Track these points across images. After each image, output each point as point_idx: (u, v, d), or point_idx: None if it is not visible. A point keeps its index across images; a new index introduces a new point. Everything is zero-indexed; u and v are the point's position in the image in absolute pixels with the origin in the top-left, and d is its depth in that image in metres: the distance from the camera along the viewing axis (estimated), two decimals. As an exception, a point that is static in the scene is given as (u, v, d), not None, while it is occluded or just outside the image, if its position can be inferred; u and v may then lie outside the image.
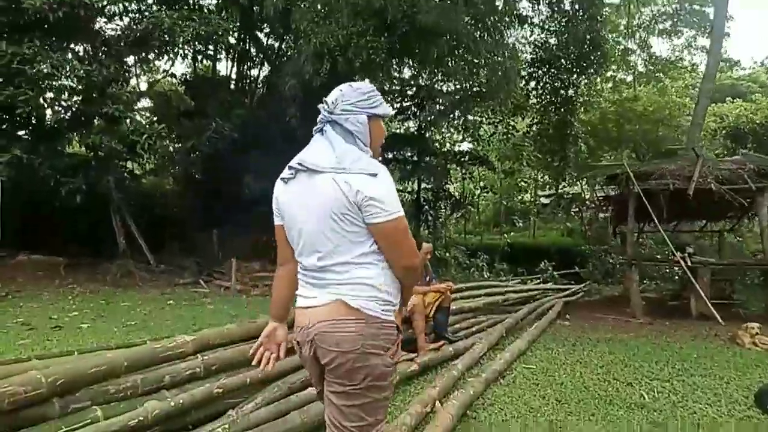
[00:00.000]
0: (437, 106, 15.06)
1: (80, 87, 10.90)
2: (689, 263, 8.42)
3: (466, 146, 20.85)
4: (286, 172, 1.83)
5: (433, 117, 14.93)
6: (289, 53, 14.17)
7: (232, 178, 13.54)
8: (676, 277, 13.59)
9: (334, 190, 1.68)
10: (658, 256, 13.30)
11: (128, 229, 12.53)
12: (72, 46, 11.58)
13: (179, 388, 3.05)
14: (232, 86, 15.78)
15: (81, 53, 11.65)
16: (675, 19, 24.67)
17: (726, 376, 4.64)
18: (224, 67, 17.08)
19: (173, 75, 15.11)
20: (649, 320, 8.16)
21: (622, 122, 21.04)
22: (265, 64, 16.17)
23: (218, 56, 15.54)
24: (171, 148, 14.39)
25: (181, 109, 14.50)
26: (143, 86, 17.31)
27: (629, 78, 25.80)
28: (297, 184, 1.80)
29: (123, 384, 2.85)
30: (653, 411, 3.67)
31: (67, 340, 5.68)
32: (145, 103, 16.56)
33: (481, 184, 25.18)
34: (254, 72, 16.54)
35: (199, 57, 15.14)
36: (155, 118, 14.22)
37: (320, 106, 1.85)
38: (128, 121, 11.22)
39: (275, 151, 13.48)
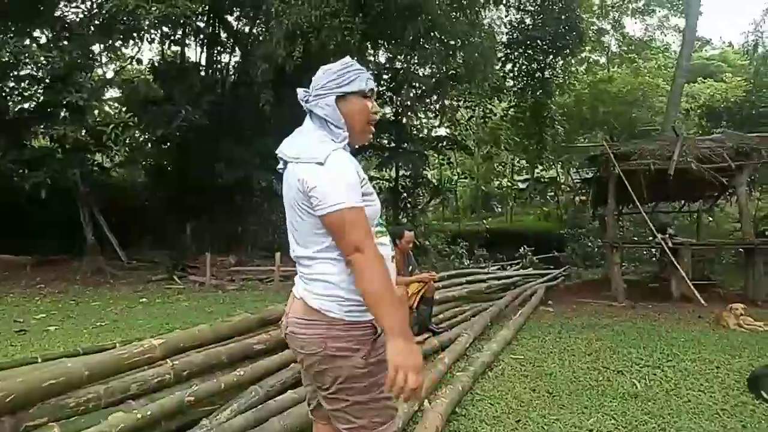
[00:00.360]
0: (414, 90, 14.82)
1: (41, 75, 10.40)
2: (670, 244, 8.39)
3: (443, 131, 20.70)
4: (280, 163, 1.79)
5: (409, 102, 14.69)
6: (261, 37, 13.76)
7: (205, 167, 13.14)
8: (653, 259, 13.72)
9: (294, 181, 1.64)
10: (635, 238, 13.39)
11: (97, 225, 12.12)
12: (33, 32, 11.04)
13: (147, 397, 2.80)
14: (203, 73, 15.30)
15: (42, 40, 11.12)
16: (647, -2, 24.79)
17: (715, 360, 4.57)
18: (194, 53, 16.62)
19: (140, 61, 14.57)
20: (632, 303, 8.12)
21: (597, 104, 21.15)
22: (236, 49, 15.74)
23: (187, 41, 15.07)
24: (141, 138, 13.94)
25: (150, 97, 13.99)
26: (111, 75, 16.79)
27: (603, 60, 25.88)
28: (284, 174, 1.76)
29: (84, 396, 2.59)
30: (647, 400, 3.56)
31: (32, 344, 5.38)
32: (113, 93, 16.04)
33: (459, 170, 25.09)
34: (225, 58, 16.14)
35: (167, 42, 14.63)
36: (123, 108, 13.72)
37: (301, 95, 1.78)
38: (96, 111, 10.77)
39: (248, 139, 13.28)
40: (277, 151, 1.75)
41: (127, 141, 11.45)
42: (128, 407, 2.69)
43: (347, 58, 1.77)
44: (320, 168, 1.58)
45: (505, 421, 3.22)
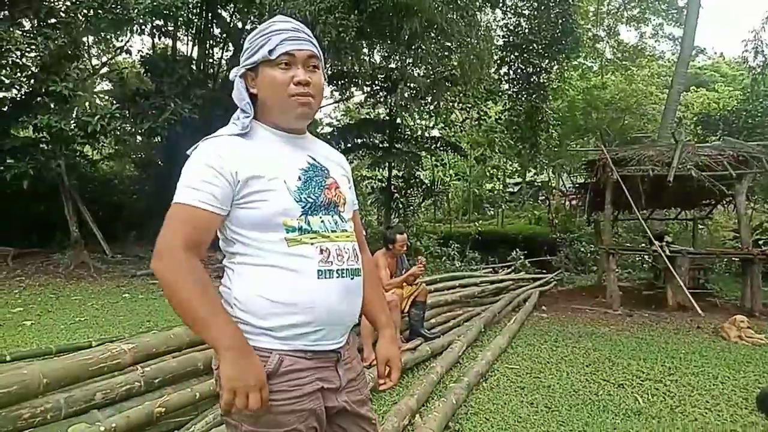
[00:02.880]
0: (408, 90, 14.64)
1: (25, 63, 10.09)
2: (667, 252, 8.23)
3: (437, 133, 20.56)
4: None
5: (404, 101, 14.49)
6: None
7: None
8: (645, 266, 13.62)
9: None
10: (629, 245, 13.27)
11: (82, 217, 11.82)
12: (16, 18, 10.72)
13: (113, 407, 2.57)
14: (194, 67, 15.04)
15: (26, 26, 10.81)
16: (643, 6, 24.90)
17: (719, 374, 4.38)
18: (186, 47, 16.35)
19: (129, 51, 14.27)
20: (628, 311, 7.95)
21: (590, 110, 21.13)
22: (229, 44, 15.48)
23: (178, 34, 14.79)
24: (129, 131, 13.68)
25: (139, 89, 13.71)
26: (102, 69, 16.54)
27: (597, 66, 25.94)
28: None
29: (41, 406, 2.35)
30: (651, 418, 3.36)
31: (3, 340, 5.13)
32: (104, 85, 15.80)
33: (452, 171, 24.94)
34: (218, 52, 15.86)
35: (157, 34, 14.34)
36: (112, 100, 13.44)
37: None
38: (86, 103, 10.48)
39: (239, 135, 13.07)
40: None
41: (115, 133, 11.16)
42: (92, 418, 2.45)
43: (270, 20, 1.41)
44: (191, 155, 1.33)
45: (501, 439, 3.01)
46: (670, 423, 3.28)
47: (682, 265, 8.31)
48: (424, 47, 13.54)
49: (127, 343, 2.88)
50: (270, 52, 1.33)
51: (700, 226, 13.34)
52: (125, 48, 14.24)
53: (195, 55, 15.35)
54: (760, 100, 13.58)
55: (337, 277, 1.33)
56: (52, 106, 10.47)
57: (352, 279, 1.37)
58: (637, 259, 14.18)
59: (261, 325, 1.27)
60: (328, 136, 14.83)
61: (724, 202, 10.46)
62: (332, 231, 1.36)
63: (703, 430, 3.16)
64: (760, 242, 11.71)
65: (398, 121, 16.51)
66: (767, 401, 3.45)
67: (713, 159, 8.21)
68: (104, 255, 12.22)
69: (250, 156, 1.31)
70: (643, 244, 10.89)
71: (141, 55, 14.25)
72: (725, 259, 11.77)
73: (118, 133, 11.52)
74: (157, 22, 12.98)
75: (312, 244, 1.31)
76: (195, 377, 2.98)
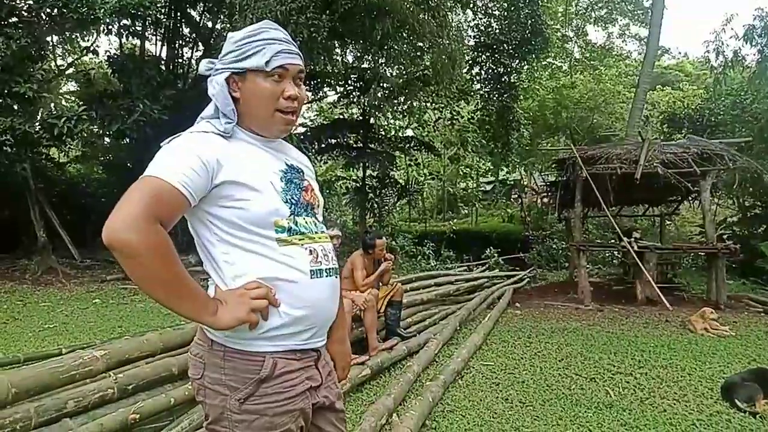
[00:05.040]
0: (381, 90, 14.68)
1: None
2: (636, 248, 8.43)
3: (410, 132, 20.64)
4: None
5: (377, 101, 14.52)
6: (225, 33, 13.39)
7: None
8: (614, 261, 13.92)
9: None
10: (599, 241, 13.54)
11: (49, 222, 11.53)
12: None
13: (86, 415, 2.52)
14: (163, 67, 14.79)
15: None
16: (610, 7, 25.44)
17: (687, 366, 4.52)
18: (156, 48, 16.07)
19: (95, 52, 13.94)
20: (598, 306, 8.12)
21: (560, 109, 21.44)
22: (199, 44, 15.27)
23: (147, 34, 14.51)
24: (97, 133, 13.37)
25: (107, 90, 13.40)
26: (68, 69, 16.12)
27: (566, 66, 26.38)
28: None
29: (10, 416, 2.29)
30: (622, 410, 3.44)
31: (-32, 351, 4.97)
32: (71, 86, 15.40)
33: (426, 171, 25.05)
34: (187, 52, 15.63)
35: (125, 34, 14.06)
36: (79, 101, 13.12)
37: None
38: (52, 105, 10.20)
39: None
40: None
41: (82, 135, 10.91)
42: (64, 427, 2.41)
43: (259, 24, 1.37)
44: (167, 144, 1.28)
45: (477, 434, 3.05)
46: (640, 415, 3.37)
47: (650, 260, 8.51)
48: (396, 47, 13.59)
49: (99, 349, 2.82)
50: (266, 63, 1.30)
51: (668, 222, 13.72)
52: (92, 48, 13.89)
53: (164, 55, 15.10)
54: (722, 98, 13.97)
55: (326, 276, 1.35)
56: (16, 107, 10.18)
57: (336, 278, 1.40)
58: (607, 255, 14.47)
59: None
60: (302, 137, 14.73)
61: (690, 198, 10.76)
62: (314, 232, 1.37)
63: (671, 421, 3.25)
64: (725, 236, 12.07)
65: (372, 121, 16.53)
66: (731, 391, 3.58)
67: (679, 156, 8.43)
68: (73, 260, 11.96)
69: (235, 155, 1.28)
70: (613, 240, 11.14)
71: (108, 56, 13.92)
72: (692, 254, 12.09)
73: (86, 135, 11.28)
74: (125, 21, 12.74)
75: (301, 245, 1.32)
76: (170, 383, 2.95)
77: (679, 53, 34.70)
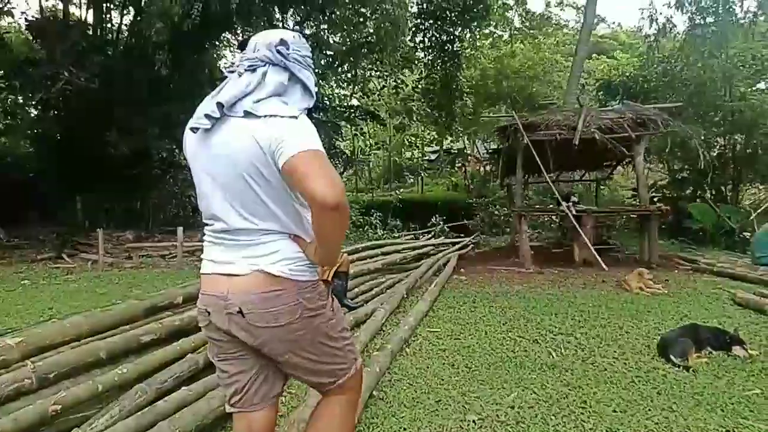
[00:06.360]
0: (325, 57, 14.30)
1: None
2: (574, 212, 8.68)
3: (356, 102, 20.36)
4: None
5: (320, 69, 14.16)
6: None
7: (96, 136, 11.94)
8: (552, 225, 14.37)
9: (248, 142, 1.56)
10: (538, 206, 13.91)
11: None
12: None
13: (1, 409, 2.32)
14: (90, 32, 13.81)
15: None
16: (549, -25, 25.67)
17: (624, 324, 4.69)
18: (80, 11, 14.95)
19: (10, 13, 12.84)
20: (538, 269, 8.35)
21: (501, 79, 21.66)
22: (130, 7, 14.34)
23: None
24: (19, 103, 12.44)
25: (27, 57, 12.40)
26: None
27: (506, 36, 26.59)
28: (211, 137, 1.62)
29: None
30: (565, 371, 3.53)
31: None
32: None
33: (372, 141, 24.88)
34: (116, 16, 14.66)
35: (44, -5, 13.02)
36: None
37: (257, 45, 1.66)
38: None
39: (144, 106, 12.24)
40: (213, 106, 1.55)
41: (4, 106, 10.11)
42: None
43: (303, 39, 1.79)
44: (295, 121, 1.52)
45: (424, 402, 3.04)
46: (582, 374, 3.47)
47: (587, 223, 8.80)
48: (338, 12, 13.24)
49: (13, 337, 2.60)
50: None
51: (602, 187, 14.24)
52: (5, 9, 12.76)
53: (90, 19, 14.10)
54: (655, 66, 14.45)
55: None
56: None
57: None
58: (546, 219, 14.91)
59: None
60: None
61: (624, 162, 11.15)
62: None
63: (611, 379, 3.36)
64: (655, 199, 12.65)
65: (316, 89, 16.14)
66: (666, 347, 3.74)
67: (615, 122, 8.67)
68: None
69: None
70: (551, 205, 11.46)
71: (26, 19, 12.84)
72: (624, 217, 12.61)
73: (7, 106, 10.46)
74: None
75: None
76: (99, 368, 2.76)
77: (613, 23, 35.70)
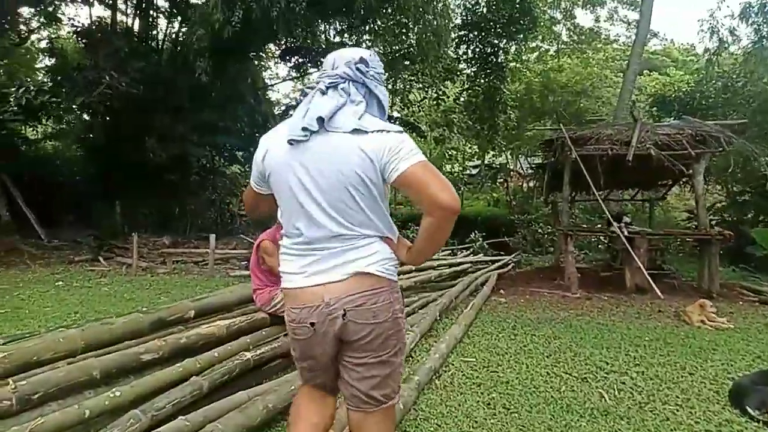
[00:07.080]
0: (365, 67, 14.12)
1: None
2: (626, 233, 8.06)
3: (396, 113, 20.14)
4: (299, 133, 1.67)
5: (361, 80, 13.99)
6: (199, 1, 12.71)
7: (137, 142, 12.09)
8: (600, 246, 13.62)
9: (352, 155, 1.63)
10: (584, 226, 13.21)
11: (13, 200, 10.98)
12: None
13: (-26, 435, 2.04)
14: (135, 39, 14.08)
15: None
16: (599, -11, 24.95)
17: (686, 364, 4.12)
18: (130, 21, 15.31)
19: (58, 19, 13.23)
20: (586, 294, 7.74)
21: (546, 93, 21.13)
22: (176, 15, 14.57)
23: (117, 3, 13.80)
24: (64, 106, 12.72)
25: (79, 64, 12.69)
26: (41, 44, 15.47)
27: (553, 49, 25.98)
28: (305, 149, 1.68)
29: None
30: (620, 418, 3.03)
31: None
32: (46, 62, 14.82)
33: (412, 153, 24.53)
34: (162, 24, 14.95)
35: (95, 2, 13.33)
36: (53, 76, 12.47)
37: (336, 61, 1.75)
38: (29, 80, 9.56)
39: (185, 113, 12.31)
40: (310, 121, 1.62)
41: (50, 111, 10.30)
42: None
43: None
44: (404, 135, 1.63)
45: (455, 449, 2.63)
46: (640, 424, 2.96)
47: (640, 246, 8.13)
48: (380, 23, 13.03)
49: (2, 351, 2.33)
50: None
51: (654, 208, 13.43)
52: (57, 18, 13.18)
53: (137, 27, 14.38)
54: (714, 81, 13.65)
55: None
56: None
57: None
58: (593, 240, 14.17)
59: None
60: (285, 116, 14.18)
61: (681, 182, 10.42)
62: None
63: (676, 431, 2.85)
64: (713, 223, 11.80)
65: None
66: (740, 395, 3.18)
67: (672, 138, 8.03)
68: (39, 240, 11.48)
69: None
70: (600, 225, 10.80)
71: (73, 26, 13.20)
72: (678, 240, 11.83)
73: (51, 110, 10.65)
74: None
75: None
76: (92, 389, 2.47)
77: (666, 39, 34.50)
